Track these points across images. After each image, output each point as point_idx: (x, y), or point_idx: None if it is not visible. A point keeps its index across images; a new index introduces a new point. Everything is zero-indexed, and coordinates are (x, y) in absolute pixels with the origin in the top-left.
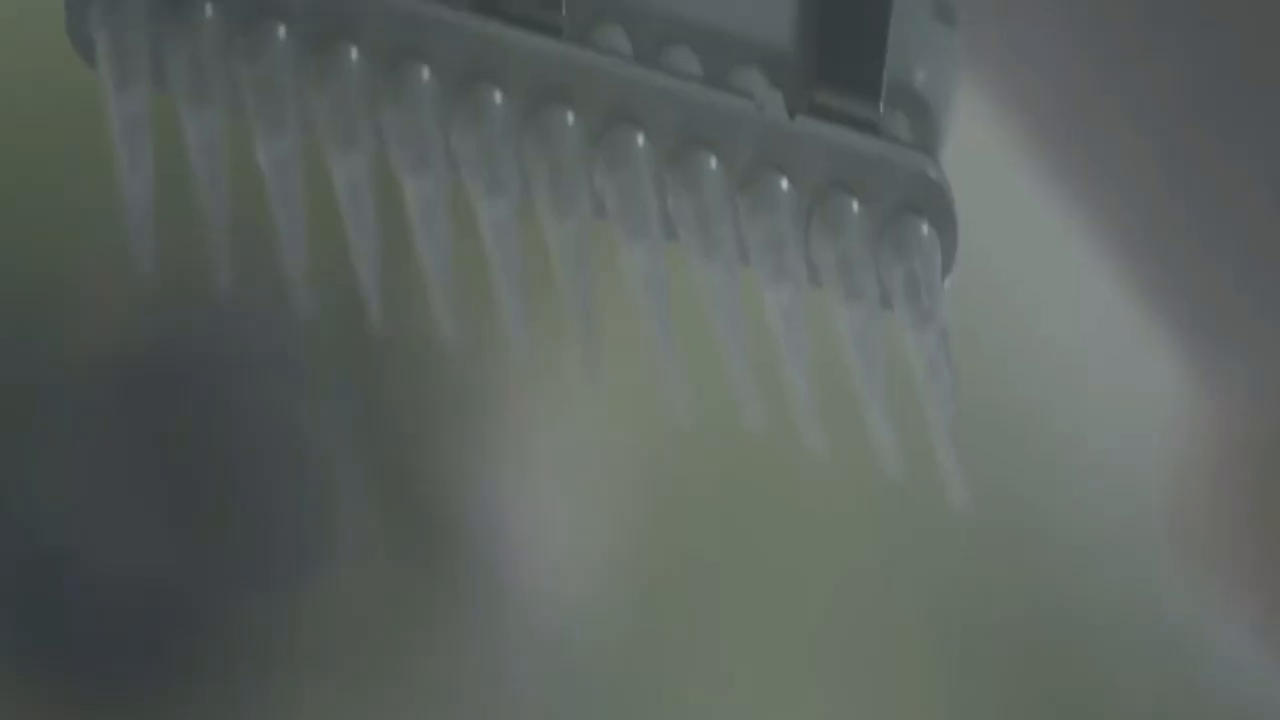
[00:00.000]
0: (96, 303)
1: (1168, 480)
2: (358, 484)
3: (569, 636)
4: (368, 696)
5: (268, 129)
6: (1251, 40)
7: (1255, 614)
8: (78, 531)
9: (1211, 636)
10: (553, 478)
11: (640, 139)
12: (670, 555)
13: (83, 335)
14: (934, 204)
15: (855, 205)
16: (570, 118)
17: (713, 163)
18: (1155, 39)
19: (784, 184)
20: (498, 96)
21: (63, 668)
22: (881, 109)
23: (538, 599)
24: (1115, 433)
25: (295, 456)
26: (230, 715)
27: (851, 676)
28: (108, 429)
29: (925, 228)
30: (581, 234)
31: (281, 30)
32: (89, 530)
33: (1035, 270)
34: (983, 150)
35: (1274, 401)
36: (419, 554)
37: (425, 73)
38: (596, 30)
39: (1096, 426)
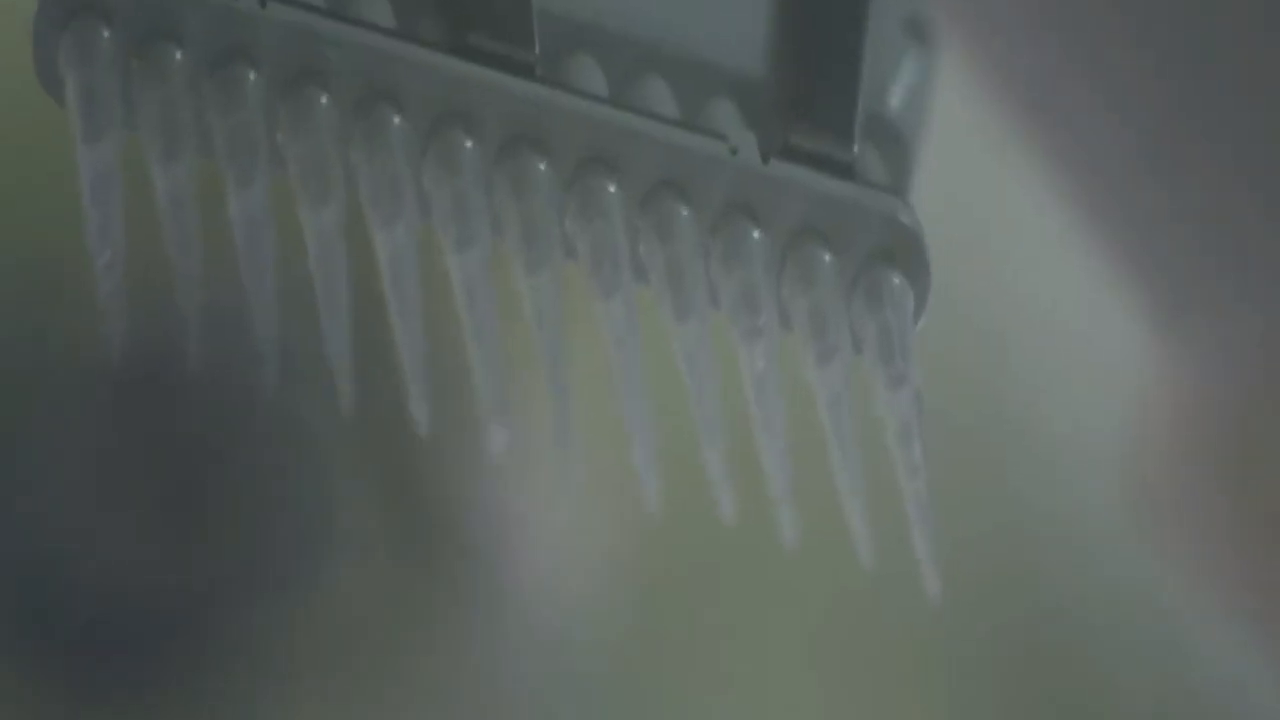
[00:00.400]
0: (97, 303)
1: (1137, 454)
2: (358, 484)
3: (569, 636)
4: (368, 696)
5: (238, 180)
6: (1219, 18)
7: (1223, 585)
8: (78, 532)
9: (1210, 635)
10: (553, 478)
11: (612, 188)
12: (670, 555)
13: (83, 335)
14: (906, 249)
15: (827, 256)
16: (542, 165)
17: (684, 212)
18: (1129, 18)
19: (755, 234)
20: (469, 142)
21: (63, 668)
22: (856, 150)
23: (538, 599)
24: (1114, 424)
25: (296, 456)
26: (230, 715)
27: (851, 676)
28: (108, 429)
29: (897, 279)
30: (554, 286)
31: (252, 75)
32: (89, 530)
33: (1037, 265)
34: (970, 129)
35: (1241, 373)
36: (419, 554)
37: (396, 118)
38: (569, 61)
39: (1094, 419)
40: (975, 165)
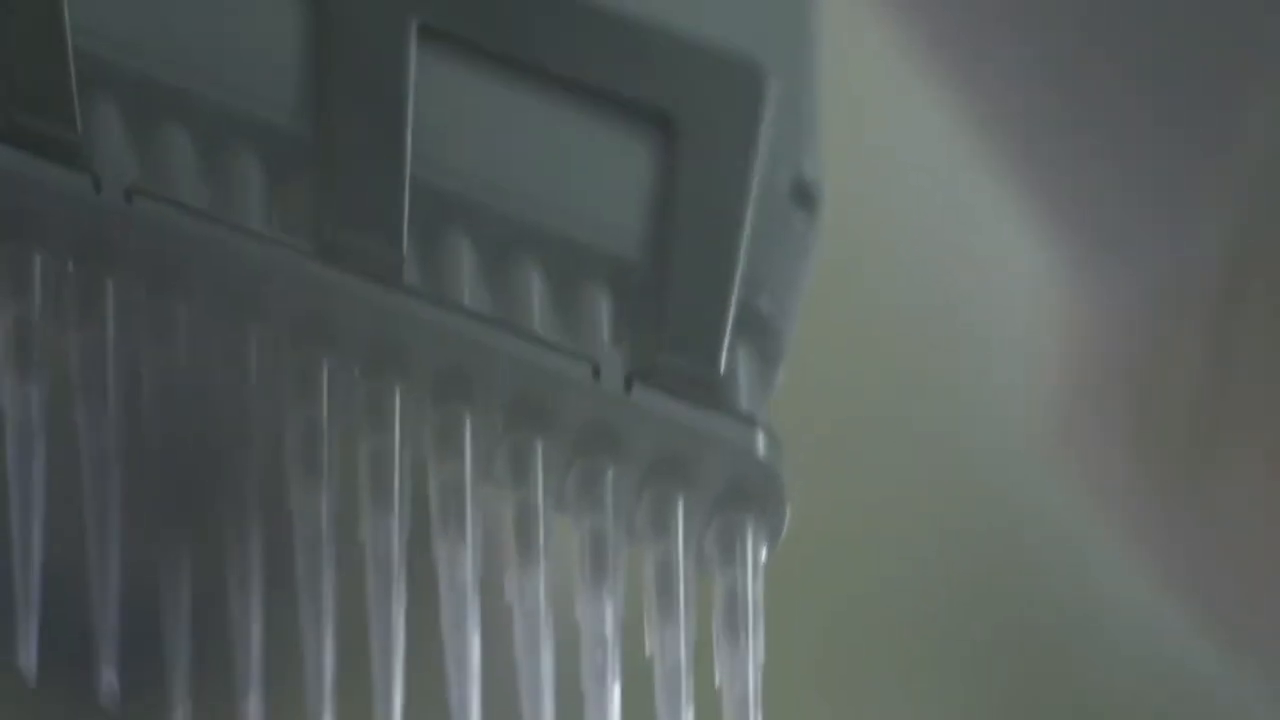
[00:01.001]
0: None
1: (1051, 397)
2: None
3: (570, 636)
4: (367, 696)
5: (89, 406)
6: None
7: (1133, 525)
8: (78, 531)
9: (1191, 631)
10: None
11: (469, 419)
12: None
13: None
14: (761, 484)
15: (681, 499)
16: (399, 391)
17: (539, 447)
18: None
19: (610, 472)
20: (326, 362)
21: (62, 667)
22: (722, 369)
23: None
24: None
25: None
26: (230, 715)
27: (849, 678)
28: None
29: (750, 525)
30: (398, 533)
31: (110, 281)
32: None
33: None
34: (885, 60)
35: (1154, 311)
36: (418, 553)
37: (254, 332)
38: (442, 237)
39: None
40: (893, 109)
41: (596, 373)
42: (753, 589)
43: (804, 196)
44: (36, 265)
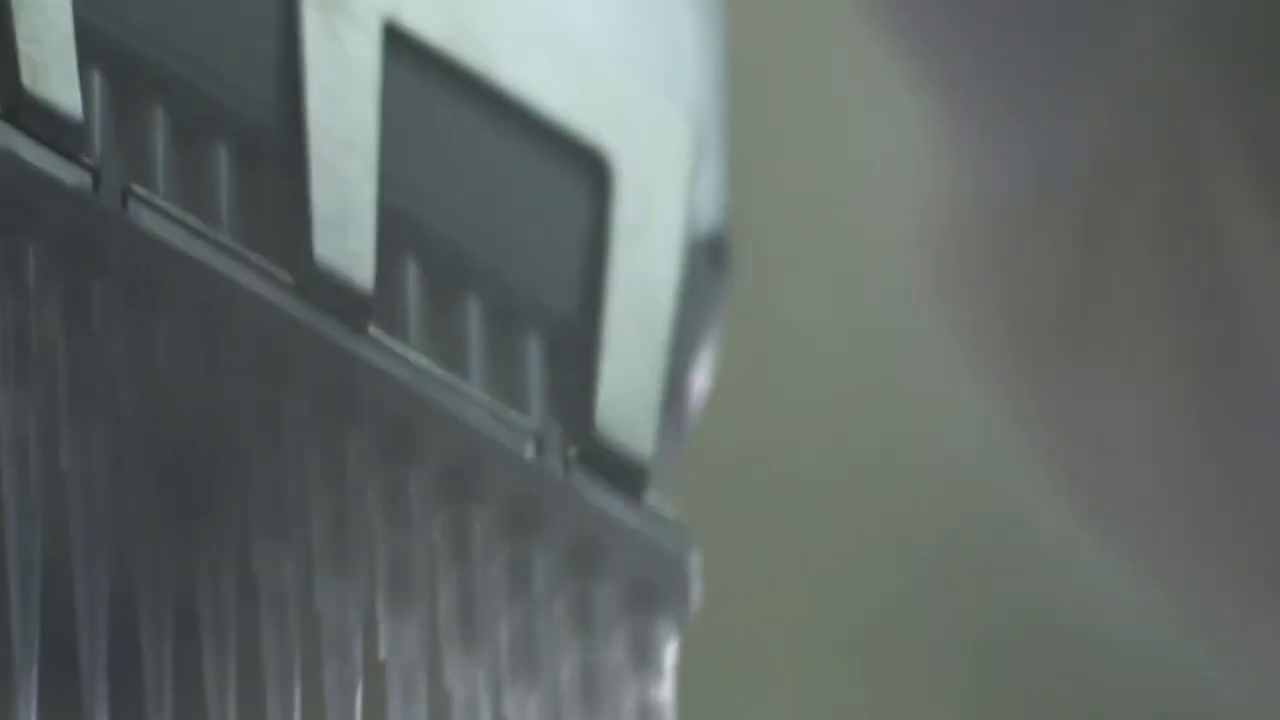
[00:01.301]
0: None
1: (922, 249)
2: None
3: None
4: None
5: (75, 421)
6: None
7: (1009, 402)
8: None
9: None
10: None
11: (413, 492)
12: None
13: None
14: (672, 582)
15: (599, 597)
16: (352, 447)
17: (477, 525)
18: None
19: (539, 560)
20: (291, 400)
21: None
22: (652, 457)
23: None
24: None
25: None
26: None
27: (849, 678)
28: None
29: (661, 626)
30: (356, 595)
31: (97, 287)
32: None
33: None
34: None
35: (1033, 197)
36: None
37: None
38: (394, 260)
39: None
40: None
41: (539, 448)
42: (664, 696)
43: (717, 256)
44: (31, 262)
